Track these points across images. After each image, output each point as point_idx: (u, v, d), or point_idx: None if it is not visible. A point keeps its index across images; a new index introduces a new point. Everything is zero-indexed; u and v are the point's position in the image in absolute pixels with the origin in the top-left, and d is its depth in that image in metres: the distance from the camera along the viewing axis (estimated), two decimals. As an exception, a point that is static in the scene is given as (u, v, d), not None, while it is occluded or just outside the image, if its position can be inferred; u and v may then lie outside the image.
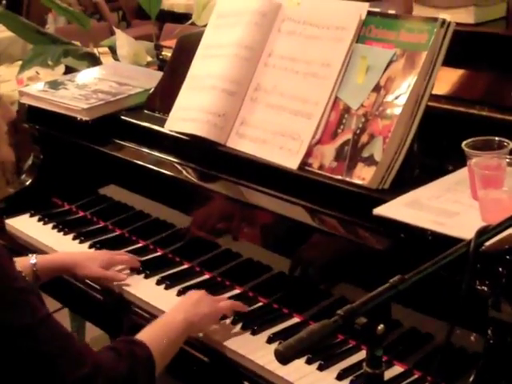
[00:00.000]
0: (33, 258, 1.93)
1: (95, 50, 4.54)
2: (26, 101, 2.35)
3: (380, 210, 1.49)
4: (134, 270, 1.97)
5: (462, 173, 1.57)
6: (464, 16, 2.56)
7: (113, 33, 8.73)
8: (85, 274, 1.93)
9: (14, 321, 1.31)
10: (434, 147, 1.73)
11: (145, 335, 1.56)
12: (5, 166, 1.55)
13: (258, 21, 1.93)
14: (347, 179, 1.64)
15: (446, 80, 2.02)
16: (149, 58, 2.73)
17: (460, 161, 1.55)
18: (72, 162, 2.35)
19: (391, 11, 1.75)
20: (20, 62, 6.19)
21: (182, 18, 8.61)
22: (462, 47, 1.77)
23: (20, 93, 2.36)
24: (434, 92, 1.68)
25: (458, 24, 2.23)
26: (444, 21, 1.61)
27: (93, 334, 3.12)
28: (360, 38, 1.74)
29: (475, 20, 2.09)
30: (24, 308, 1.33)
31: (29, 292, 1.37)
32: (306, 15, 1.85)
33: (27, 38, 2.81)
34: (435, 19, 1.63)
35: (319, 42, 1.80)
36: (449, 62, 1.68)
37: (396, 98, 1.62)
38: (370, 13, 1.75)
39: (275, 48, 1.89)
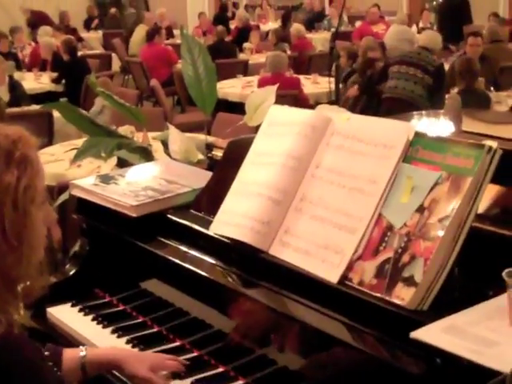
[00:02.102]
0: (83, 351, 1.95)
1: (149, 136, 4.64)
2: (76, 193, 2.41)
3: (417, 334, 1.49)
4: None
5: (503, 299, 1.57)
6: (513, 132, 2.58)
7: (167, 117, 8.90)
8: (133, 373, 1.93)
9: None
10: (476, 270, 1.72)
11: None
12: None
13: (307, 133, 1.97)
14: (386, 298, 1.64)
15: (492, 198, 2.04)
16: (200, 156, 2.78)
17: (502, 286, 1.55)
18: (116, 254, 2.39)
19: (439, 133, 1.78)
20: (74, 141, 6.35)
21: (236, 106, 8.80)
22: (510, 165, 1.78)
23: (71, 185, 2.42)
24: (479, 211, 1.70)
25: (506, 140, 2.26)
26: (490, 148, 1.63)
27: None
28: (407, 157, 1.77)
29: (525, 137, 2.11)
30: None
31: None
32: (355, 131, 1.89)
33: (83, 128, 2.90)
34: (482, 146, 1.64)
35: (366, 159, 1.83)
36: (495, 180, 1.69)
37: (439, 220, 1.64)
38: (417, 134, 1.78)
39: (323, 161, 1.93)
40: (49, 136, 7.51)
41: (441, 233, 1.62)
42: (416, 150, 1.76)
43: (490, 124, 2.78)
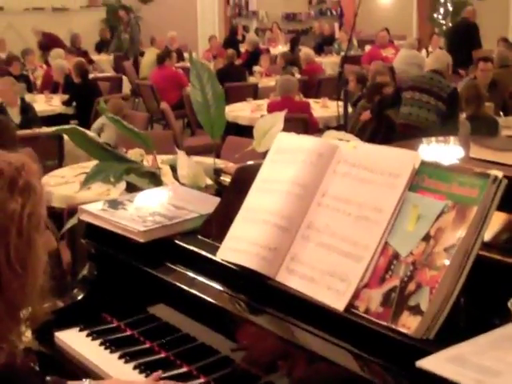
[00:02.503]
0: (85, 383, 1.96)
1: (158, 159, 4.66)
2: (85, 218, 2.42)
3: (423, 363, 1.49)
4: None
5: (509, 328, 1.57)
6: (520, 159, 2.58)
7: (176, 140, 8.90)
8: None
9: None
10: (481, 299, 1.73)
11: None
12: None
13: (313, 160, 1.98)
14: (392, 326, 1.65)
15: (499, 226, 2.04)
16: (208, 181, 2.80)
17: (507, 315, 1.56)
18: (124, 279, 2.40)
19: (444, 163, 1.79)
20: (84, 164, 6.39)
21: (245, 130, 8.84)
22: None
23: (80, 210, 2.43)
24: (485, 239, 1.71)
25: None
26: (496, 177, 1.64)
27: None
28: (412, 186, 1.78)
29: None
30: None
31: None
32: (362, 159, 1.90)
33: (92, 153, 2.92)
34: (487, 175, 1.65)
35: (372, 187, 1.84)
36: (502, 207, 1.70)
37: (445, 249, 1.65)
38: (423, 163, 1.79)
39: (329, 188, 1.94)
40: (59, 158, 7.54)
41: (447, 262, 1.63)
42: (422, 178, 1.77)
43: (497, 151, 2.79)
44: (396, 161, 1.83)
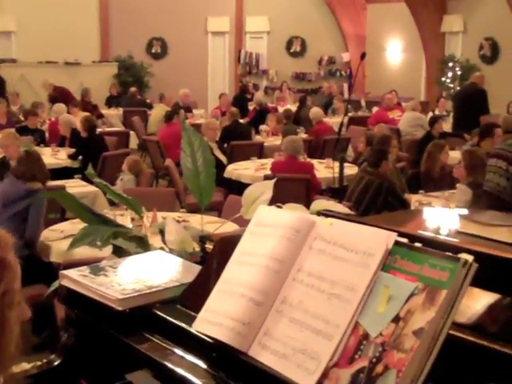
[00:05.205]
0: None
1: (159, 216, 4.65)
2: (65, 283, 2.41)
3: None
4: None
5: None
6: (507, 235, 2.59)
7: (179, 197, 8.89)
8: None
9: None
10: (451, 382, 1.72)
11: None
12: None
13: (290, 236, 1.99)
14: (359, 408, 1.63)
15: (474, 307, 2.02)
16: (195, 246, 2.80)
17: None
18: (102, 347, 2.38)
19: (418, 244, 1.79)
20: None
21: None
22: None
23: (61, 275, 2.43)
24: (458, 319, 1.70)
25: (501, 243, 2.27)
26: (466, 261, 1.64)
27: None
28: (385, 266, 1.78)
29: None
30: None
31: None
32: (337, 236, 1.91)
33: (81, 217, 2.93)
34: (457, 259, 1.65)
35: (346, 265, 1.84)
36: (478, 283, 1.69)
37: (413, 332, 1.64)
38: (396, 242, 1.79)
39: (305, 264, 1.94)
40: (61, 212, 7.56)
41: (414, 345, 1.62)
42: (394, 259, 1.77)
43: (484, 225, 2.79)
44: (370, 240, 1.83)
